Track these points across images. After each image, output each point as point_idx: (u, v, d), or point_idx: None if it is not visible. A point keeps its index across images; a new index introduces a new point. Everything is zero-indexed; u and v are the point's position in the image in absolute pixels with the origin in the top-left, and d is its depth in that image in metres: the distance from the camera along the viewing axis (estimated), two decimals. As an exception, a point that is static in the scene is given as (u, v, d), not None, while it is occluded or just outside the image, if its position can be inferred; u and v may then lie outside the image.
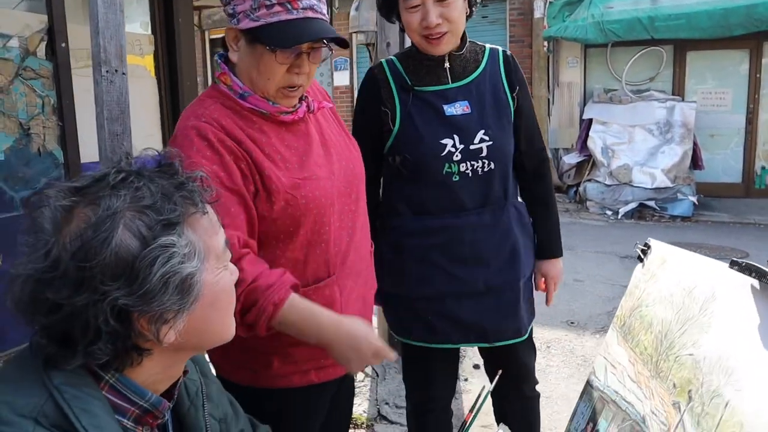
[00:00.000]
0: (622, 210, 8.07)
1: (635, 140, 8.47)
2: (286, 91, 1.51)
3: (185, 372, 1.08)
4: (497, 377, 1.56)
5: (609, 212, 8.18)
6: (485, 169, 1.96)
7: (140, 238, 0.87)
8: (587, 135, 8.65)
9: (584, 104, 9.19)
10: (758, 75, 8.81)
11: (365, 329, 1.46)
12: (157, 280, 0.87)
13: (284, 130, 1.55)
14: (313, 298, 1.49)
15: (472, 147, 1.93)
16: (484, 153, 1.94)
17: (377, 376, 3.69)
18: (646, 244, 1.71)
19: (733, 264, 1.29)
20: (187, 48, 4.01)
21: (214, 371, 1.32)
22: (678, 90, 9.02)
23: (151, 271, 0.86)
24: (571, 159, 8.90)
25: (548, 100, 9.47)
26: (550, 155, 8.96)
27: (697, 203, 8.04)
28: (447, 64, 1.97)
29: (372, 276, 1.84)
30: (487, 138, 1.95)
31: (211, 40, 10.96)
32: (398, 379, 3.63)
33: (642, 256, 1.69)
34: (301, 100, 1.59)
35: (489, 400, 1.57)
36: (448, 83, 1.97)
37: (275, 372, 1.59)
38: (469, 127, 1.95)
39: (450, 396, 2.33)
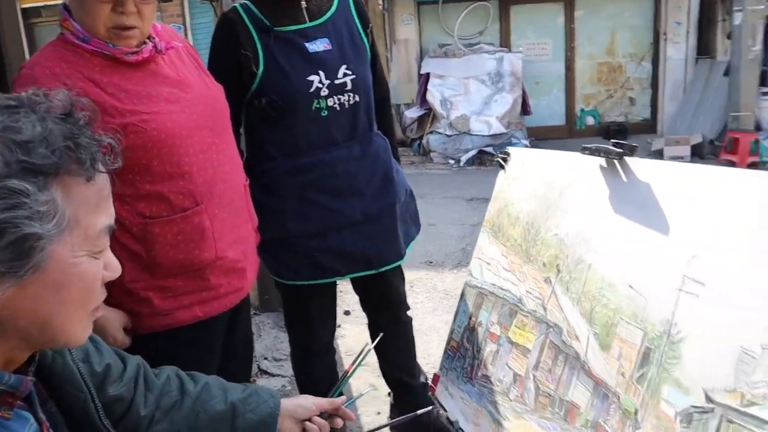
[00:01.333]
0: (464, 158, 8.54)
1: (470, 91, 8.95)
2: (117, 32, 1.53)
3: None
4: (378, 337, 1.63)
5: (452, 161, 8.62)
6: (351, 102, 2.03)
7: None
8: (426, 89, 9.00)
9: (421, 59, 9.54)
10: (572, 26, 9.61)
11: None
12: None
13: (132, 70, 1.57)
14: (182, 226, 1.57)
15: (337, 81, 2.00)
16: (349, 86, 2.02)
17: (252, 334, 3.71)
18: (505, 152, 1.88)
19: (584, 149, 1.48)
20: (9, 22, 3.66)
21: None
22: (505, 42, 9.63)
23: None
24: (412, 113, 9.24)
25: (386, 57, 9.71)
26: (392, 111, 9.22)
27: (529, 145, 8.68)
28: (304, 3, 2.01)
29: (249, 209, 1.86)
30: (349, 72, 2.02)
31: (23, 10, 10.03)
32: (273, 333, 3.68)
33: (503, 164, 1.87)
34: (149, 40, 1.61)
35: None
36: (306, 22, 2.01)
37: (156, 309, 1.59)
38: (333, 63, 2.01)
39: (332, 336, 2.42)
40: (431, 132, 8.94)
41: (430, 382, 2.94)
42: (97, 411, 1.04)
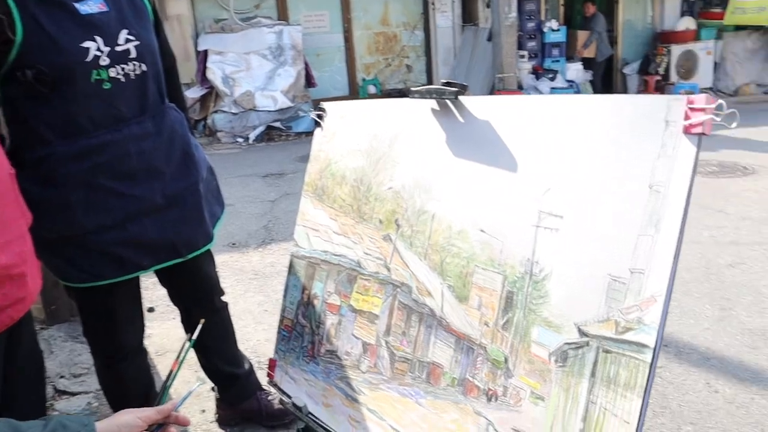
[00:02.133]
0: (252, 135, 8.26)
1: (252, 67, 8.64)
2: None
3: None
4: (199, 326, 1.42)
5: (240, 139, 8.30)
6: (137, 72, 1.75)
7: None
8: (205, 67, 8.52)
9: (197, 36, 9.00)
10: (347, -4, 9.68)
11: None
12: None
13: None
14: None
15: (118, 48, 1.70)
16: (133, 54, 1.74)
17: (41, 351, 3.22)
18: (320, 108, 1.72)
19: (413, 93, 1.37)
20: None
21: None
22: (282, 15, 9.42)
23: None
24: (193, 93, 8.71)
25: (158, 35, 9.04)
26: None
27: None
28: None
29: (19, 203, 1.53)
30: (132, 38, 1.74)
31: None
32: (67, 347, 3.23)
33: (318, 121, 1.71)
34: None
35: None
36: None
37: None
38: (111, 27, 1.70)
39: (141, 336, 2.13)
40: (215, 111, 8.50)
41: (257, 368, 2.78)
42: None
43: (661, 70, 10.86)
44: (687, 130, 0.96)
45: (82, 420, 1.11)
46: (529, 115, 1.18)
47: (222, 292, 2.29)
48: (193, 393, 1.38)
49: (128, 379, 2.11)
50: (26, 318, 1.63)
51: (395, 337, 1.34)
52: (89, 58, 1.65)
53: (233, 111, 8.41)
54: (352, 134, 1.58)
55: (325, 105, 1.72)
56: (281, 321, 1.68)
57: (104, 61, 1.68)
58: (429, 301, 1.27)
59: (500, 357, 1.13)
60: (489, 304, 1.16)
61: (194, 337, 1.33)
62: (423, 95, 1.35)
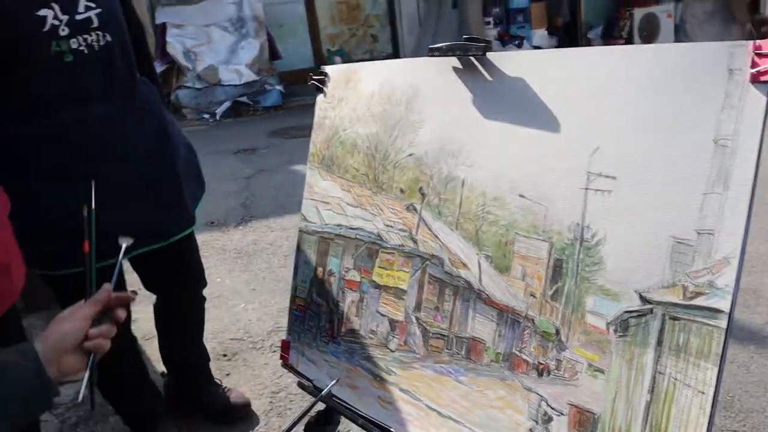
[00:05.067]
0: (219, 110, 8.05)
1: (214, 40, 8.38)
2: None
3: None
4: (92, 188, 1.25)
5: (207, 115, 8.07)
6: (102, 43, 1.61)
7: None
8: (165, 41, 8.23)
9: (153, 10, 8.67)
10: (306, -35, 9.41)
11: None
12: None
13: None
14: None
15: (78, 17, 1.57)
16: (95, 23, 1.60)
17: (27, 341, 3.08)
18: (321, 73, 1.62)
19: (433, 51, 1.28)
20: None
21: None
22: (240, -15, 9.12)
23: None
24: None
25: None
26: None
27: (284, 91, 8.44)
28: None
29: None
30: (92, 5, 1.59)
31: None
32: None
33: (320, 86, 1.60)
34: None
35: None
36: None
37: None
38: None
39: (127, 322, 2.04)
40: (179, 87, 8.24)
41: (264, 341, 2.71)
42: None
43: (624, 34, 10.88)
44: (755, 79, 0.89)
45: (21, 350, 1.01)
46: (569, 70, 1.10)
47: (204, 284, 2.21)
48: (120, 258, 1.25)
49: (121, 367, 2.02)
50: (12, 310, 1.52)
51: (427, 312, 1.27)
52: (46, 27, 1.52)
53: (197, 86, 8.16)
54: (360, 99, 1.48)
55: (327, 69, 1.62)
56: (292, 301, 1.59)
57: (63, 30, 1.54)
58: (465, 274, 1.20)
59: (551, 329, 1.06)
60: (534, 274, 1.09)
61: (93, 206, 1.21)
62: (445, 53, 1.26)
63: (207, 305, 2.37)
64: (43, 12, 1.51)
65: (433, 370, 1.24)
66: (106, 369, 1.99)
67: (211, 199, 4.88)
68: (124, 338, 2.02)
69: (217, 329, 3.00)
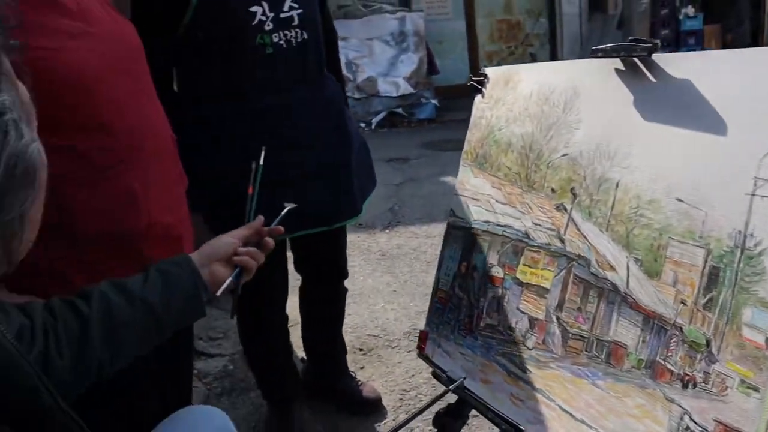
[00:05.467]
0: (375, 120, 8.31)
1: (375, 52, 8.68)
2: None
3: None
4: (262, 153, 1.43)
5: (363, 124, 8.36)
6: (299, 40, 1.78)
7: None
8: (329, 52, 8.65)
9: (322, 22, 9.15)
10: (471, -19, 9.51)
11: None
12: (1, 175, 0.52)
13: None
14: (104, 189, 1.29)
15: (282, 15, 1.73)
16: (296, 22, 1.76)
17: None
18: (481, 74, 1.65)
19: (595, 52, 1.27)
20: None
21: None
22: (404, 1, 9.39)
23: None
24: (317, 78, 8.88)
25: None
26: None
27: (438, 105, 8.57)
28: None
29: (179, 166, 1.58)
30: (296, 5, 1.76)
31: None
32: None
33: (479, 87, 1.63)
34: None
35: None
36: None
37: (78, 288, 1.26)
38: None
39: (284, 300, 2.18)
40: (338, 96, 8.61)
41: (400, 340, 2.78)
42: (48, 389, 0.80)
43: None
44: None
45: (176, 260, 1.15)
46: (740, 72, 1.05)
47: (346, 275, 2.32)
48: (287, 210, 1.39)
49: (270, 342, 2.17)
50: None
51: (569, 312, 1.25)
52: (255, 22, 1.69)
53: (356, 96, 8.48)
54: (518, 99, 1.49)
55: (487, 70, 1.65)
56: (434, 292, 1.62)
57: (268, 26, 1.71)
58: (611, 276, 1.18)
59: (701, 339, 1.02)
60: (687, 281, 1.05)
61: (261, 162, 1.38)
62: (608, 54, 1.25)
63: (348, 300, 2.48)
64: (254, 8, 1.69)
65: (570, 372, 1.23)
66: (259, 342, 2.17)
67: (362, 202, 5.09)
68: (280, 316, 2.18)
69: (356, 324, 3.10)
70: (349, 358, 2.61)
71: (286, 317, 2.28)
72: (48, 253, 1.23)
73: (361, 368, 2.74)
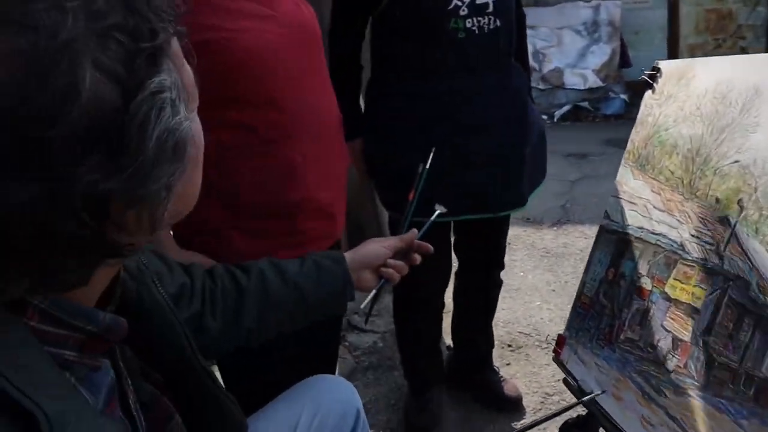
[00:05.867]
0: (558, 113, 8.02)
1: (564, 42, 8.36)
2: None
3: None
4: (431, 154, 1.46)
5: (545, 116, 8.11)
6: (491, 27, 1.77)
7: (120, 83, 0.52)
8: (517, 40, 8.46)
9: (511, 9, 8.96)
10: (678, -31, 8.79)
11: None
12: (152, 148, 0.54)
13: None
14: (269, 161, 1.39)
15: (478, 1, 1.74)
16: (490, 8, 1.75)
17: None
18: (654, 68, 1.52)
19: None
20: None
21: None
22: (602, -11, 8.92)
23: (145, 136, 0.54)
24: (502, 66, 8.73)
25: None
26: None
27: (628, 101, 8.06)
28: None
29: (342, 146, 1.65)
30: None
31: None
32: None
33: (651, 81, 1.51)
34: None
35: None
36: None
37: (237, 251, 1.41)
38: None
39: (443, 285, 2.21)
40: (521, 86, 8.41)
41: (554, 342, 2.70)
42: (191, 346, 0.87)
43: None
44: None
45: (333, 255, 1.20)
46: None
47: (502, 266, 2.29)
48: (438, 214, 1.40)
49: (422, 325, 2.21)
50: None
51: (718, 338, 1.12)
52: (451, 6, 1.72)
53: (540, 87, 8.23)
54: (691, 97, 1.35)
55: (661, 64, 1.51)
56: (578, 297, 1.54)
57: (463, 11, 1.73)
58: (774, 303, 1.03)
59: None
60: None
61: (427, 166, 1.39)
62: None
63: (503, 295, 2.44)
64: None
65: (710, 404, 1.10)
66: (410, 323, 2.22)
67: (533, 196, 4.94)
68: (436, 300, 2.20)
69: (508, 319, 3.04)
70: (496, 352, 2.56)
71: (443, 304, 2.29)
72: (215, 217, 1.39)
73: (507, 364, 2.68)
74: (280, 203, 1.43)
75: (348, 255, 1.22)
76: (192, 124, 0.62)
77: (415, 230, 1.29)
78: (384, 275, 1.23)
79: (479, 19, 1.75)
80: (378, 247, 1.24)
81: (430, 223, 1.38)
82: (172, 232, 1.42)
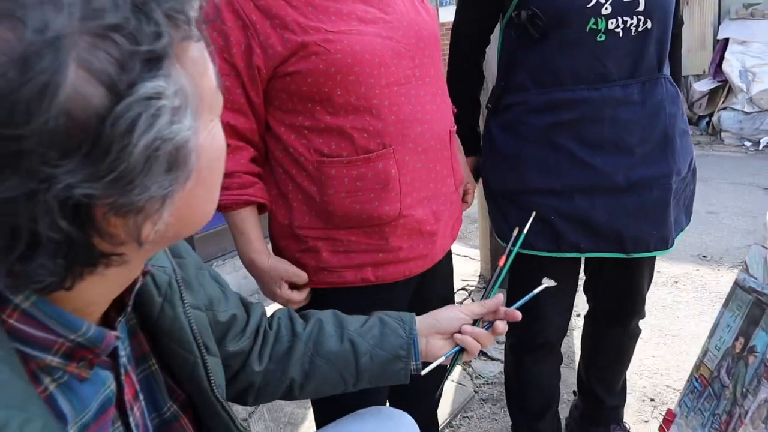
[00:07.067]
0: (765, 140, 7.07)
1: (781, 60, 7.37)
2: None
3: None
4: (530, 220, 1.34)
5: (748, 143, 7.20)
6: (640, 29, 1.50)
7: (108, 84, 0.50)
8: (722, 57, 7.60)
9: (719, 23, 8.10)
10: None
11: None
12: (139, 155, 0.52)
13: None
14: (363, 171, 1.32)
15: None
16: (641, 7, 1.48)
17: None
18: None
19: None
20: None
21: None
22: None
23: (130, 141, 0.51)
24: (702, 86, 7.90)
25: (676, 21, 8.46)
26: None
27: None
28: None
29: (453, 161, 1.50)
30: None
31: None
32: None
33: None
34: None
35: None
36: None
37: (324, 264, 1.39)
38: None
39: (561, 332, 1.91)
40: (724, 108, 7.55)
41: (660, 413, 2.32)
42: (209, 379, 0.87)
43: None
44: None
45: (402, 316, 1.12)
46: None
47: (643, 315, 1.92)
48: (543, 288, 1.20)
49: (534, 377, 1.96)
50: (443, 269, 1.64)
51: None
52: (591, 3, 1.46)
53: (746, 110, 7.33)
54: None
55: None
56: (697, 367, 1.23)
57: (606, 9, 1.47)
58: None
59: None
60: None
61: (525, 231, 1.28)
62: None
63: (656, 341, 2.11)
64: None
65: None
66: (522, 364, 1.97)
67: (715, 231, 4.35)
68: (552, 345, 1.93)
69: (658, 369, 2.65)
70: (634, 406, 2.24)
71: (560, 357, 2.01)
72: (304, 224, 1.37)
73: (645, 422, 2.32)
74: (372, 216, 1.36)
75: (419, 318, 1.13)
76: (201, 136, 0.59)
77: (500, 295, 1.14)
78: (459, 342, 1.10)
79: (626, 19, 1.47)
80: (454, 311, 1.13)
81: (531, 297, 1.18)
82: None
